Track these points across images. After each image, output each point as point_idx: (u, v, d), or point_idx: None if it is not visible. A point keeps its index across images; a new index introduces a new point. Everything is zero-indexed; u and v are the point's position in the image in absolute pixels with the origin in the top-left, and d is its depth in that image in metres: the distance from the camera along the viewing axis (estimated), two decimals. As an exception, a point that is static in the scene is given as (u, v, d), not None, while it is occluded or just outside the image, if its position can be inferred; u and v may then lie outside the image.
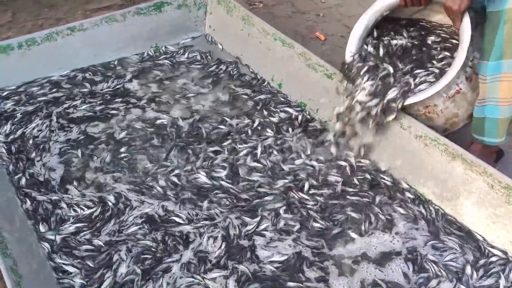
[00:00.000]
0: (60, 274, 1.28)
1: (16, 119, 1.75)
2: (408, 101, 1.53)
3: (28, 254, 1.31)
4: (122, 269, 1.29)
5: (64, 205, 1.46)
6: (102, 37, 2.05)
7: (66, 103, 1.83)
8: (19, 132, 1.70)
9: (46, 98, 1.86)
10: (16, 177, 1.54)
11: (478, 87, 1.51)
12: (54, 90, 1.90)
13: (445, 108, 1.56)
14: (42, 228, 1.39)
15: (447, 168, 1.45)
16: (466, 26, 1.45)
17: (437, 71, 1.57)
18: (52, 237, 1.36)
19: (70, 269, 1.29)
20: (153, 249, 1.34)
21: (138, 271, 1.28)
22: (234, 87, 1.96)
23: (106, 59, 2.07)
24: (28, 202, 1.46)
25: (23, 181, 1.53)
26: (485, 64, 1.45)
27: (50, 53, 1.95)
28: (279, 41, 1.95)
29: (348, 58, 1.67)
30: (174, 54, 2.15)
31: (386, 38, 1.70)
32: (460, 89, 1.52)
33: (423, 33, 1.70)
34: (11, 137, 1.69)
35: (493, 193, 1.35)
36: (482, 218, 1.39)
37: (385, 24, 1.74)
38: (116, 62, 2.07)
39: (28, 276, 1.22)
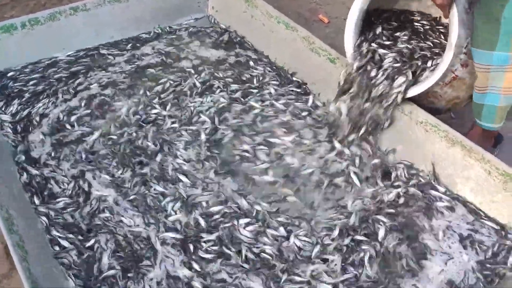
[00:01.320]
0: (58, 248, 1.32)
1: (23, 99, 1.76)
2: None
3: (34, 231, 1.34)
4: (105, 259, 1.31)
5: (52, 182, 1.49)
6: (105, 17, 2.04)
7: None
8: (25, 112, 1.71)
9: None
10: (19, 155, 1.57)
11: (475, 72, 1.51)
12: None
13: (444, 93, 1.57)
14: (36, 200, 1.42)
15: (447, 154, 1.47)
16: (454, 20, 1.41)
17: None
18: (46, 211, 1.39)
19: (65, 243, 1.32)
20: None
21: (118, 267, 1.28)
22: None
23: (109, 39, 2.07)
24: (25, 176, 1.50)
25: (22, 158, 1.56)
26: (488, 53, 1.42)
27: (53, 33, 1.95)
28: (283, 24, 1.95)
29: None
30: (177, 32, 2.16)
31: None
32: (457, 75, 1.52)
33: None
34: (18, 116, 1.69)
35: (490, 179, 1.37)
36: (479, 204, 1.41)
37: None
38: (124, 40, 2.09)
39: (34, 252, 1.25)
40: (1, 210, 1.28)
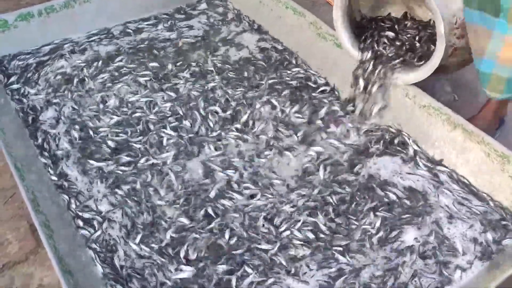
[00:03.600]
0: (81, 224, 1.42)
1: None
2: (402, 81, 1.61)
3: (58, 211, 1.44)
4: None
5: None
6: (117, 4, 2.10)
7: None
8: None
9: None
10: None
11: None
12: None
13: (450, 63, 1.61)
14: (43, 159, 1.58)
15: (448, 138, 1.52)
16: (437, 15, 1.42)
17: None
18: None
19: (86, 215, 1.43)
20: None
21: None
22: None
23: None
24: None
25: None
26: (491, 19, 1.38)
27: (68, 20, 2.02)
28: (291, 10, 1.98)
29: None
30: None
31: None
32: (456, 47, 1.54)
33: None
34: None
35: (489, 161, 1.42)
36: (478, 186, 1.46)
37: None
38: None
39: (58, 230, 1.34)
40: (27, 192, 1.38)
